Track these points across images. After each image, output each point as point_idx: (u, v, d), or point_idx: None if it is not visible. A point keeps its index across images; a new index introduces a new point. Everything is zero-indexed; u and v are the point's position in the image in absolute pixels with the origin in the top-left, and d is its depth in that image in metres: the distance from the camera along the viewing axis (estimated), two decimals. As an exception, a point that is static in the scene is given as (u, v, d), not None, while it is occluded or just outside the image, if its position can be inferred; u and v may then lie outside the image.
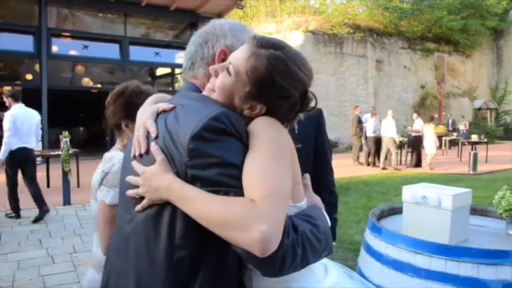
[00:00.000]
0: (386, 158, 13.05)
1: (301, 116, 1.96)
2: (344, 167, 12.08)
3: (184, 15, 14.54)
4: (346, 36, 18.15)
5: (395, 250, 2.07)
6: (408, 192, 2.26)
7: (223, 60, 1.20)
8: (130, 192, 1.13)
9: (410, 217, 2.25)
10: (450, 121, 18.33)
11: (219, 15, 15.23)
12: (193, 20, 14.81)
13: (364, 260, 2.31)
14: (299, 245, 0.97)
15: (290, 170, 1.03)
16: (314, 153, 2.03)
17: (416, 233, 2.15)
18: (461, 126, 18.83)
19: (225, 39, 1.25)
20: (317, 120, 2.08)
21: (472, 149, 13.34)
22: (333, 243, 1.36)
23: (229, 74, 1.09)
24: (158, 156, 1.06)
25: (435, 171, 11.79)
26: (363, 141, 13.51)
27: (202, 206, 0.95)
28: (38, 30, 12.32)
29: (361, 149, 13.59)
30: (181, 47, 15.57)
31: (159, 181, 1.03)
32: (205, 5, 14.08)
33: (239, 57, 1.09)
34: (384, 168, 12.34)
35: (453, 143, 17.12)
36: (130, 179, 1.14)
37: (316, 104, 1.16)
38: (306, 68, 1.10)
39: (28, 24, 12.69)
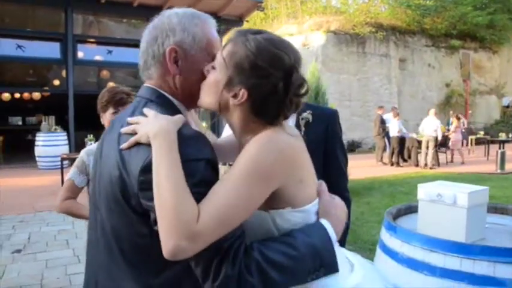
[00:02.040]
0: (410, 157, 12.89)
1: (309, 116, 1.97)
2: (367, 167, 11.99)
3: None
4: (368, 35, 17.97)
5: (410, 248, 2.07)
6: (423, 190, 2.25)
7: (175, 58, 1.17)
8: (124, 130, 1.11)
9: (425, 215, 2.24)
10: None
11: (240, 17, 15.34)
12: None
13: (380, 258, 2.32)
14: (251, 271, 0.96)
15: (261, 195, 1.01)
16: (324, 156, 1.92)
17: (432, 231, 2.14)
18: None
19: (174, 35, 1.17)
20: (327, 120, 1.95)
21: (499, 148, 13.04)
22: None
23: (214, 68, 1.13)
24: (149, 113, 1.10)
25: (462, 170, 11.57)
26: (386, 141, 13.36)
27: (166, 177, 0.96)
28: (65, 37, 12.65)
29: (384, 149, 13.44)
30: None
31: (161, 120, 1.05)
32: (226, 8, 14.19)
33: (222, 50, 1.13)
34: (429, 167, 12.21)
35: (480, 142, 16.72)
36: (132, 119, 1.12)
37: (307, 90, 1.11)
38: (287, 48, 1.09)
39: (55, 32, 13.05)
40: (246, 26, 18.04)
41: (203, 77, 1.17)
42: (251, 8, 14.88)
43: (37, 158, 12.03)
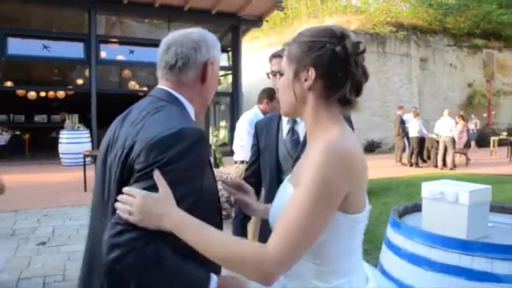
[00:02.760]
0: (430, 158, 12.79)
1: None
2: (386, 168, 11.95)
3: (226, 18, 14.85)
4: (388, 35, 17.84)
5: (412, 244, 2.14)
6: (427, 188, 2.32)
7: (210, 69, 1.37)
8: (121, 213, 1.12)
9: (429, 213, 2.31)
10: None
11: (260, 17, 15.45)
12: (234, 23, 15.11)
13: (385, 254, 2.39)
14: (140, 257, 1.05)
15: (332, 209, 1.09)
16: None
17: (435, 228, 2.21)
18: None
19: (213, 50, 1.38)
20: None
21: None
22: None
23: (281, 75, 1.30)
24: (162, 184, 1.11)
25: (481, 172, 11.43)
26: (406, 141, 13.27)
27: (208, 244, 1.09)
28: (88, 37, 12.98)
29: (403, 150, 13.36)
30: (224, 49, 15.92)
31: (163, 208, 1.10)
32: (245, 8, 14.31)
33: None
34: (449, 168, 12.13)
35: (503, 143, 16.43)
36: (121, 205, 1.13)
37: (365, 49, 1.19)
38: (331, 25, 1.23)
39: (79, 32, 13.40)
40: (265, 26, 18.14)
41: (214, 90, 1.44)
42: (271, 7, 14.97)
43: (61, 155, 12.39)
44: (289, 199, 1.13)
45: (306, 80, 1.19)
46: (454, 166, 12.32)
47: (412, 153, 12.94)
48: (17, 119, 20.06)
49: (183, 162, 1.14)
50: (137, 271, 1.07)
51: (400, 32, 18.09)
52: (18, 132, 15.54)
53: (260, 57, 20.19)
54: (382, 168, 11.60)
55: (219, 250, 1.08)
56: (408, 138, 13.14)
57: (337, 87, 1.17)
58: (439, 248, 2.03)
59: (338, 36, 1.17)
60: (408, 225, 2.26)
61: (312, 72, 1.18)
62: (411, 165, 12.84)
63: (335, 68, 1.16)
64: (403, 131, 13.13)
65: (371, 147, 16.76)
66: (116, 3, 12.82)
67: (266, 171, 2.14)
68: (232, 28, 15.42)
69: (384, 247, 2.45)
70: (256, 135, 2.27)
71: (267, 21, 16.58)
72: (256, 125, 2.33)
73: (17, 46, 12.55)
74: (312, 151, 1.15)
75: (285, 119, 2.12)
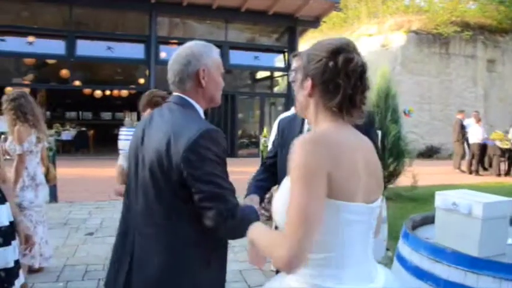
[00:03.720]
0: (491, 166, 12.05)
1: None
2: (443, 175, 11.39)
3: (283, 19, 14.87)
4: (452, 35, 16.97)
5: (417, 257, 2.05)
6: (440, 198, 2.21)
7: (203, 75, 1.69)
8: None
9: (442, 225, 2.19)
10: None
11: (317, 18, 15.33)
12: (291, 23, 15.10)
13: (394, 266, 2.32)
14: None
15: (318, 186, 1.20)
16: None
17: (447, 242, 2.10)
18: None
19: (202, 59, 1.70)
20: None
21: None
22: None
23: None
24: None
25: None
26: (466, 147, 12.59)
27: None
28: (148, 38, 13.55)
29: (463, 156, 12.67)
30: (281, 50, 15.97)
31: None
32: (302, 9, 14.27)
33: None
34: None
35: None
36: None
37: (361, 62, 1.33)
38: (334, 39, 1.38)
39: (140, 34, 14.01)
40: (324, 26, 17.95)
41: (218, 87, 1.75)
42: (328, 8, 14.81)
43: (120, 151, 13.00)
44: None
45: (305, 87, 1.36)
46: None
47: (472, 160, 12.26)
48: (85, 116, 21.36)
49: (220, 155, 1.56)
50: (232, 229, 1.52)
51: (466, 32, 17.15)
52: (84, 129, 16.53)
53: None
54: (438, 175, 11.09)
55: (263, 243, 1.33)
56: (469, 144, 12.45)
57: (330, 97, 1.31)
58: (444, 263, 1.94)
59: (333, 51, 1.31)
60: (415, 236, 2.17)
61: (308, 82, 1.35)
62: (470, 172, 12.17)
63: (327, 80, 1.30)
64: (463, 137, 12.45)
65: (429, 153, 16.04)
66: (175, 5, 13.27)
67: (281, 168, 2.17)
68: (289, 29, 15.41)
69: (394, 258, 2.38)
70: (278, 132, 2.39)
71: (324, 21, 16.39)
72: (280, 121, 2.47)
73: (85, 48, 13.37)
74: None
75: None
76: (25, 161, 4.25)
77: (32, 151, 4.34)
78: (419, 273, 2.03)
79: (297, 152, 1.22)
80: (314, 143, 1.24)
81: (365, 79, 1.34)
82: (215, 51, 1.77)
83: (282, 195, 1.35)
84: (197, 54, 1.69)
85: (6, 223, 2.51)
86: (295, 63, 2.23)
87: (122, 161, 2.81)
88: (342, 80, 1.28)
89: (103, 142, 15.62)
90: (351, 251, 1.28)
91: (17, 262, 2.59)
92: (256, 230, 1.40)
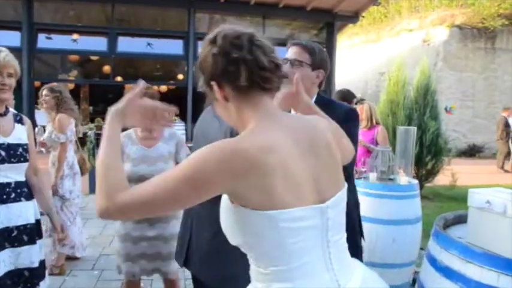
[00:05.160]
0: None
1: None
2: (485, 174, 10.98)
3: (321, 14, 14.70)
4: (500, 28, 16.23)
5: (447, 256, 1.99)
6: (473, 196, 2.14)
7: None
8: None
9: (475, 224, 2.12)
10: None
11: (356, 13, 15.05)
12: (329, 19, 14.91)
13: (423, 265, 2.26)
14: None
15: (191, 198, 1.12)
16: None
17: (480, 241, 2.03)
18: None
19: None
20: (337, 118, 1.81)
21: None
22: None
23: None
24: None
25: None
26: (511, 146, 12.07)
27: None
28: (187, 35, 13.74)
29: (507, 156, 12.15)
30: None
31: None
32: (341, 4, 14.04)
33: None
34: None
35: None
36: None
37: (236, 31, 1.22)
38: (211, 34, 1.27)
39: (179, 30, 14.23)
40: (364, 21, 17.62)
41: None
42: (367, 3, 14.51)
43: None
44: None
45: (217, 94, 1.23)
46: None
47: (517, 160, 11.76)
48: (126, 111, 21.91)
49: None
50: None
51: (515, 25, 16.37)
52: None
53: (355, 54, 19.68)
54: (480, 174, 10.70)
55: (104, 168, 1.20)
56: (513, 143, 11.95)
57: (238, 79, 1.18)
58: (475, 264, 1.88)
59: (212, 40, 1.23)
60: (446, 234, 2.11)
61: (214, 85, 1.22)
62: (515, 172, 11.67)
63: (223, 66, 1.19)
64: (507, 135, 11.94)
65: (471, 152, 15.48)
66: (214, 1, 13.38)
67: None
68: (328, 24, 15.22)
69: (424, 258, 2.32)
70: None
71: (363, 17, 16.09)
72: None
73: (125, 44, 13.72)
74: None
75: None
76: (67, 149, 4.44)
77: (71, 140, 4.52)
78: (450, 274, 1.97)
79: (204, 151, 1.10)
80: (223, 155, 1.09)
81: (257, 41, 1.21)
82: None
83: (222, 205, 1.23)
84: None
85: (32, 221, 2.42)
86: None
87: None
88: (234, 53, 1.17)
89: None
90: (301, 261, 1.14)
91: (42, 262, 2.49)
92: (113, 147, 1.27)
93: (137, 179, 2.42)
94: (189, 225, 1.98)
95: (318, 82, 2.19)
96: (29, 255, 2.39)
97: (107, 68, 14.29)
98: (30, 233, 2.40)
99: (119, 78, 15.06)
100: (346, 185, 1.31)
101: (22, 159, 2.40)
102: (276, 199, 1.10)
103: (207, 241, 1.83)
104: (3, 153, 2.30)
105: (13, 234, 2.33)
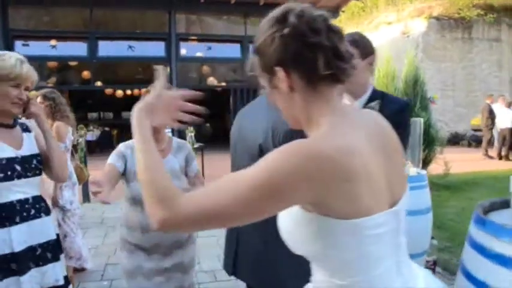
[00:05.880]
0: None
1: (376, 106, 1.95)
2: (470, 162, 11.18)
3: (302, 11, 14.74)
4: (475, 19, 16.58)
5: (498, 244, 1.98)
6: (516, 184, 2.14)
7: None
8: None
9: (518, 211, 2.13)
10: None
11: (337, 8, 15.17)
12: (310, 15, 14.97)
13: (468, 254, 2.24)
14: None
15: (267, 208, 0.99)
16: None
17: (526, 228, 2.03)
18: None
19: None
20: (396, 111, 1.87)
21: None
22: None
23: None
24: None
25: None
26: (494, 133, 12.31)
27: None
28: (168, 36, 13.58)
29: (489, 142, 12.37)
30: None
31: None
32: (321, 0, 14.12)
33: None
34: None
35: None
36: None
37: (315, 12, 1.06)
38: (269, 16, 1.11)
39: (160, 32, 14.06)
40: (343, 16, 17.72)
41: None
42: (347, -3, 14.65)
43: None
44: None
45: (281, 82, 1.07)
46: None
47: (501, 146, 11.99)
48: (106, 116, 21.53)
49: None
50: None
51: (489, 15, 16.74)
52: (107, 129, 16.67)
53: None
54: (466, 162, 10.89)
55: (149, 173, 1.06)
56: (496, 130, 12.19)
57: (313, 68, 1.03)
58: (530, 249, 1.87)
59: (279, 19, 1.05)
60: (494, 222, 2.10)
61: (280, 72, 1.06)
62: (500, 158, 11.91)
63: (296, 51, 1.03)
64: (492, 122, 12.18)
65: (455, 140, 15.77)
66: (194, 2, 13.26)
67: None
68: (308, 21, 15.28)
69: (466, 246, 2.30)
70: None
71: (343, 11, 16.20)
72: None
73: (106, 48, 13.50)
74: None
75: None
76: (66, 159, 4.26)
77: (68, 149, 4.35)
78: (502, 261, 1.96)
79: (287, 155, 0.96)
80: (306, 160, 0.95)
81: (333, 26, 1.06)
82: None
83: (287, 214, 1.10)
84: None
85: (54, 236, 2.30)
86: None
87: None
88: (311, 37, 1.01)
89: (127, 141, 15.73)
90: (380, 269, 1.07)
91: (66, 278, 2.37)
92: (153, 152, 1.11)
93: None
94: (235, 236, 1.98)
95: (372, 68, 2.08)
96: (54, 273, 2.26)
97: (86, 74, 14.01)
98: (52, 250, 2.28)
99: (99, 83, 14.80)
100: (407, 183, 1.23)
101: (38, 172, 2.25)
102: (360, 205, 1.00)
103: (256, 251, 1.85)
104: (18, 167, 2.14)
105: (37, 253, 2.21)
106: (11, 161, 2.11)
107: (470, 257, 2.21)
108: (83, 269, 4.42)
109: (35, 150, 2.28)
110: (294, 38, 1.03)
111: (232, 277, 2.07)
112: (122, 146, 2.49)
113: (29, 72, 2.15)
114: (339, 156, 0.96)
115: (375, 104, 1.89)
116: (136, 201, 2.36)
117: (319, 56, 1.02)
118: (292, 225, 1.08)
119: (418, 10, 16.99)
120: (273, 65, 1.06)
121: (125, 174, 2.41)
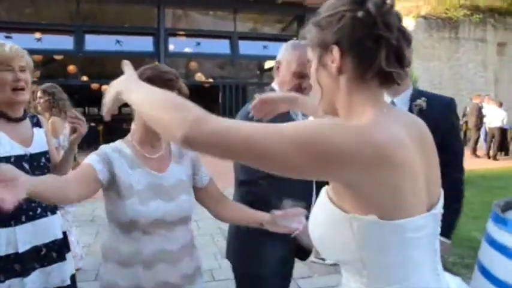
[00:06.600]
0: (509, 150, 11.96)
1: (423, 103, 1.91)
2: (460, 160, 11.28)
3: (291, 8, 14.69)
4: (462, 19, 16.80)
5: (521, 243, 1.96)
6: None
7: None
8: None
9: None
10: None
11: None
12: (300, 12, 14.91)
13: (487, 254, 2.21)
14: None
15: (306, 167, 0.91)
16: (437, 146, 1.93)
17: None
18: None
19: (280, 55, 2.28)
20: (443, 109, 2.01)
21: None
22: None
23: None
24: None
25: None
26: (482, 132, 12.48)
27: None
28: (157, 31, 13.39)
29: (476, 141, 12.54)
30: (289, 39, 15.70)
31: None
32: (307, -1, 14.11)
33: None
34: None
35: None
36: None
37: (393, 3, 0.99)
38: None
39: (149, 26, 13.86)
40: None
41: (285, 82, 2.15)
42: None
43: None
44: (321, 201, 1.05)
45: (332, 62, 1.00)
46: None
47: (490, 145, 12.15)
48: (92, 112, 21.19)
49: None
50: None
51: (476, 15, 16.97)
52: (93, 124, 16.36)
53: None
54: (456, 160, 10.98)
55: (159, 95, 1.05)
56: (485, 129, 12.36)
57: (370, 61, 0.97)
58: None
59: (357, 0, 0.97)
60: (515, 222, 2.07)
61: (336, 51, 0.99)
62: (489, 157, 12.07)
63: (361, 37, 0.96)
64: (481, 121, 12.33)
65: (442, 139, 15.97)
66: (183, -4, 13.11)
67: None
68: (298, 17, 15.24)
69: (485, 245, 2.27)
70: None
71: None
72: None
73: (93, 42, 13.22)
74: None
75: None
76: (59, 155, 4.13)
77: (63, 146, 4.23)
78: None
79: (333, 126, 0.92)
80: (362, 134, 0.91)
81: (405, 28, 1.00)
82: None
83: (319, 213, 1.06)
84: (283, 47, 2.15)
85: (60, 235, 2.22)
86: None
87: None
88: (382, 30, 0.94)
89: (113, 137, 15.46)
90: (419, 276, 1.01)
91: (73, 277, 2.29)
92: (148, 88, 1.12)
93: (150, 224, 1.64)
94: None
95: None
96: (60, 274, 2.19)
97: (72, 68, 13.72)
98: (58, 249, 2.20)
99: (85, 78, 14.52)
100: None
101: (46, 170, 2.17)
102: (404, 203, 0.94)
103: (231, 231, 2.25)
104: (26, 166, 2.05)
105: (42, 253, 2.13)
106: (19, 159, 2.03)
107: (489, 255, 2.18)
108: (77, 269, 4.29)
109: (45, 147, 2.21)
110: (364, 24, 0.96)
111: (231, 276, 2.05)
112: (106, 148, 1.76)
113: (13, 49, 2.03)
114: (386, 142, 0.91)
115: (421, 100, 1.86)
116: (134, 225, 1.65)
117: (382, 51, 0.96)
118: (329, 229, 1.03)
119: (406, 9, 17.11)
120: (331, 42, 1.00)
121: (111, 187, 1.69)
